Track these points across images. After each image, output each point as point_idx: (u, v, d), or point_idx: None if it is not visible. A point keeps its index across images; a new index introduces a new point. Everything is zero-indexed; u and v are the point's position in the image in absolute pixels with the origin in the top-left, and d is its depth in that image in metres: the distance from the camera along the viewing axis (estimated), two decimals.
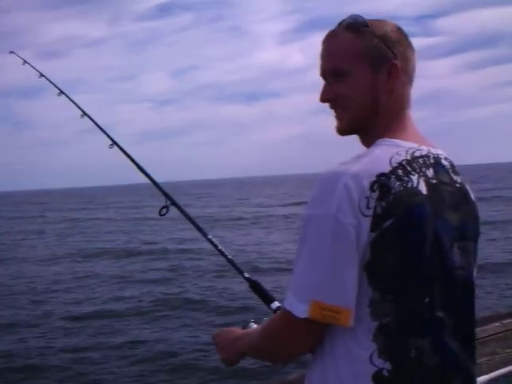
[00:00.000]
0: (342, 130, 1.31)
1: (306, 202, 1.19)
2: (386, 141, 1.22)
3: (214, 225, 25.87)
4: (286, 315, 1.17)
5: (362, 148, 1.29)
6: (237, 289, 11.09)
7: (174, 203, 2.03)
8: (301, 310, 1.13)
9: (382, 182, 1.13)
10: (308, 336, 1.19)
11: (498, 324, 2.49)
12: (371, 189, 1.12)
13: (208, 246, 1.88)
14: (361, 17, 1.28)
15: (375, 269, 1.13)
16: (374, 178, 1.13)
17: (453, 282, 1.22)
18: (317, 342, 1.21)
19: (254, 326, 1.58)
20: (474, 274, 1.29)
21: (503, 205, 29.62)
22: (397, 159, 1.17)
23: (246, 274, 1.80)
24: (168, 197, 2.04)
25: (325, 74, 1.29)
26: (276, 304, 1.69)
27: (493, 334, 2.45)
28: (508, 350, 2.48)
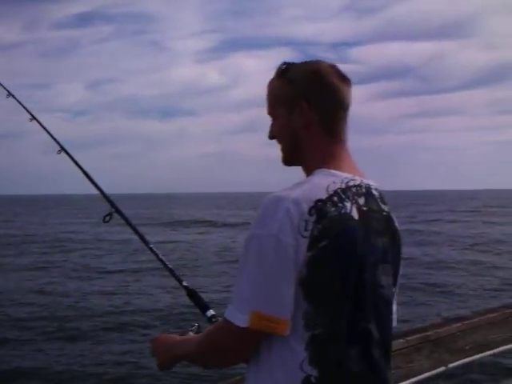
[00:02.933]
0: (283, 162, 1.50)
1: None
2: (323, 171, 1.37)
3: None
4: (227, 325, 1.27)
5: (302, 176, 1.43)
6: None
7: (117, 211, 2.07)
8: (241, 320, 1.24)
9: (319, 207, 1.26)
10: (247, 345, 1.30)
11: (402, 340, 2.73)
12: (309, 213, 1.25)
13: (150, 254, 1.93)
14: (286, 63, 1.46)
15: (310, 284, 1.26)
16: (312, 204, 1.26)
17: (378, 299, 1.37)
18: (253, 350, 1.31)
19: (191, 333, 1.64)
20: (395, 293, 1.46)
21: None
22: (333, 187, 1.32)
23: (185, 283, 1.88)
24: (112, 204, 2.08)
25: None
26: (211, 312, 1.78)
27: (397, 350, 2.67)
28: (410, 365, 2.72)
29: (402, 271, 1.49)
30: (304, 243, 1.24)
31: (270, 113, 1.48)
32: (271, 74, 1.48)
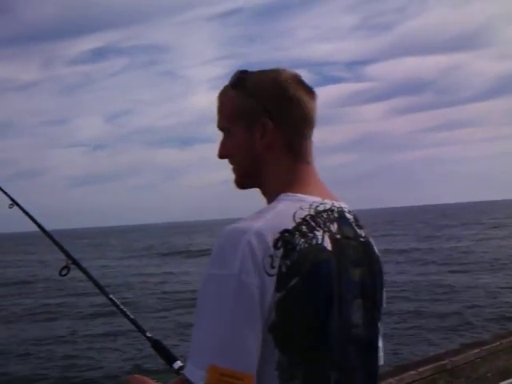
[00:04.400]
0: (237, 184, 1.31)
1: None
2: (289, 195, 1.19)
3: None
4: (187, 382, 1.08)
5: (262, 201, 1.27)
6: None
7: (75, 262, 1.96)
8: (198, 377, 1.05)
9: (286, 239, 1.08)
10: None
11: (414, 372, 2.51)
12: (275, 246, 1.07)
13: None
14: (243, 72, 1.28)
15: (281, 330, 1.08)
16: (278, 235, 1.08)
17: (352, 341, 1.19)
18: None
19: None
20: (379, 329, 1.27)
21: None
22: (300, 214, 1.14)
23: (148, 334, 1.73)
24: (69, 256, 1.95)
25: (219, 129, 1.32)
26: (178, 363, 1.61)
27: (409, 383, 2.45)
28: None
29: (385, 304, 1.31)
30: (271, 282, 1.05)
31: (225, 127, 1.28)
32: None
